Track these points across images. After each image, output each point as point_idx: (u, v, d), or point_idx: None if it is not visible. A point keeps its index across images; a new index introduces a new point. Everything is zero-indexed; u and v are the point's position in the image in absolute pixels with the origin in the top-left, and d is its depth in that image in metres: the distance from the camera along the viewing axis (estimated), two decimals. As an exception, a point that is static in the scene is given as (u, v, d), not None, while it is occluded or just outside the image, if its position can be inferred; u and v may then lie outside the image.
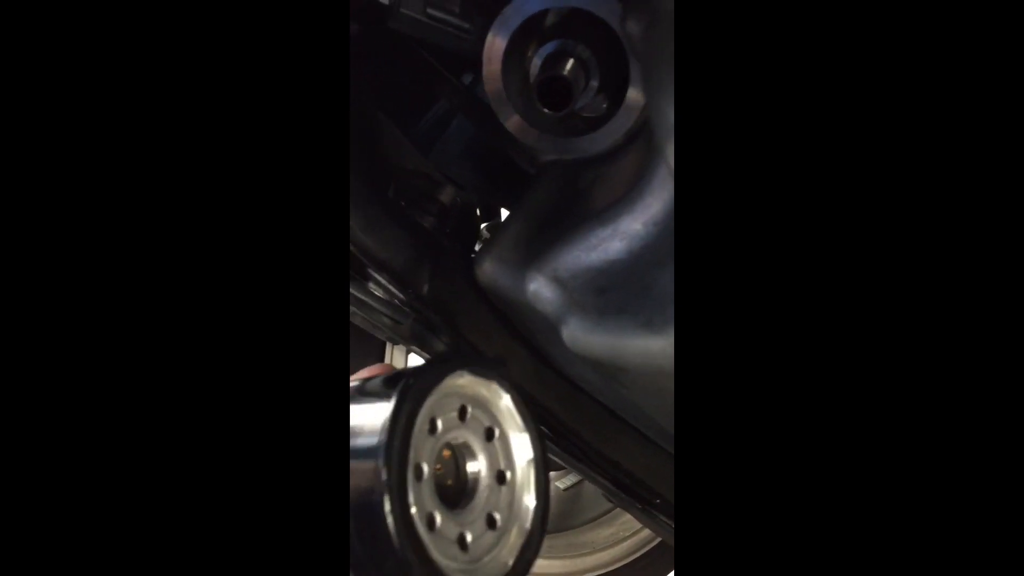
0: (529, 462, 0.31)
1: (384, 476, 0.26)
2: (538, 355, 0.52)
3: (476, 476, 0.31)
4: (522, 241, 0.41)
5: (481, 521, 0.30)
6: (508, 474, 0.31)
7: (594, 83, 0.41)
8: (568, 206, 0.42)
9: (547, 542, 1.36)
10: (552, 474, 1.42)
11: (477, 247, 0.51)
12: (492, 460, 0.31)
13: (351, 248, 0.41)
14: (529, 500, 0.31)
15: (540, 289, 0.40)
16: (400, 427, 0.28)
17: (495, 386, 0.32)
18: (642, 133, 0.40)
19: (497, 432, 0.31)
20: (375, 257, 0.42)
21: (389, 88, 0.55)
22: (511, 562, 0.30)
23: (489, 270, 0.41)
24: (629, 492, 0.56)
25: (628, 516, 1.58)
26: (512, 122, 0.42)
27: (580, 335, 0.37)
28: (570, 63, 0.39)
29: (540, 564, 1.37)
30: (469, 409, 0.31)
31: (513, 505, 0.31)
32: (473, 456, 0.31)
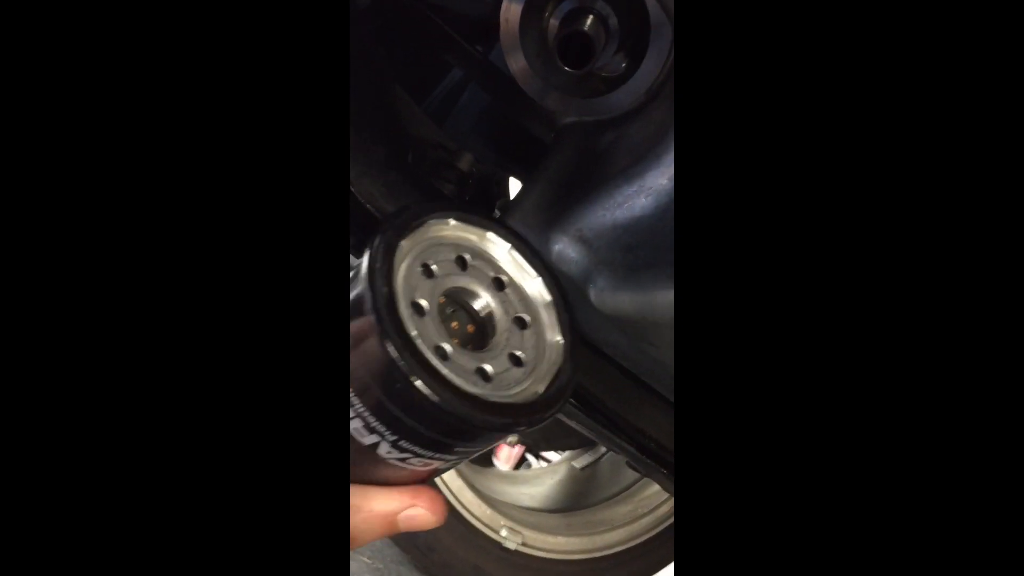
0: (548, 304, 0.31)
1: (369, 301, 0.26)
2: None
3: (490, 319, 0.30)
4: (544, 204, 0.41)
5: (503, 358, 0.30)
6: (528, 318, 0.31)
7: (613, 41, 0.41)
8: (590, 167, 0.41)
9: (565, 520, 1.36)
10: (568, 454, 1.42)
11: (496, 214, 0.51)
12: (507, 307, 0.31)
13: (375, 214, 0.41)
14: (554, 336, 0.30)
15: (565, 249, 0.40)
16: (378, 253, 0.27)
17: (492, 235, 0.31)
18: (663, 90, 0.40)
19: (506, 279, 0.31)
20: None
21: (402, 58, 0.55)
22: (542, 389, 0.29)
23: (512, 234, 0.41)
24: (654, 457, 0.56)
25: (645, 494, 1.59)
26: (531, 84, 0.42)
27: (608, 293, 0.36)
28: (589, 19, 0.39)
29: (559, 541, 1.38)
30: (468, 258, 0.31)
31: (539, 345, 0.30)
32: (479, 298, 0.31)
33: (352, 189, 0.42)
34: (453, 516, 1.23)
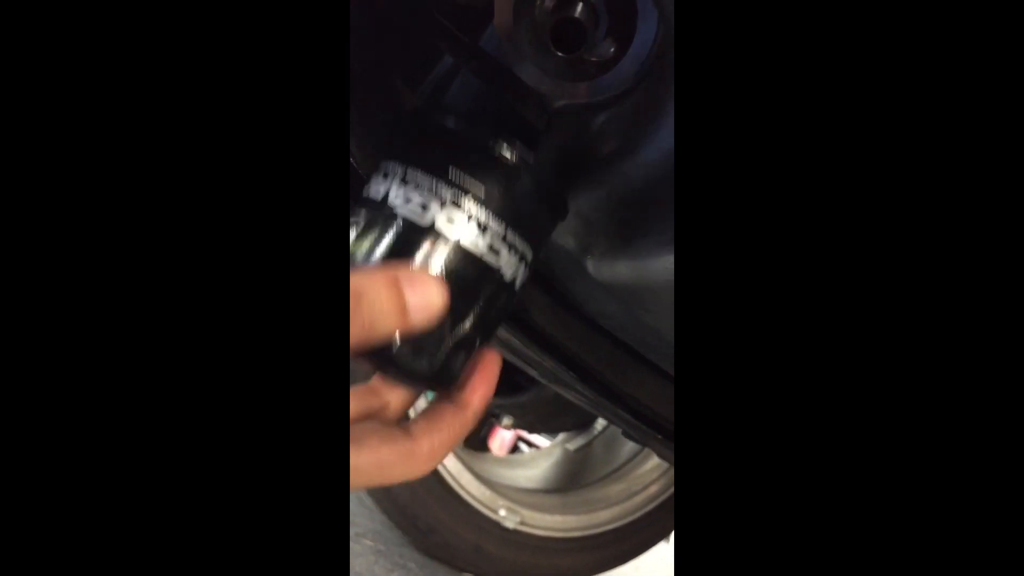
0: None
1: None
2: (558, 300, 0.55)
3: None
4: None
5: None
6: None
7: (602, 27, 0.43)
8: (584, 148, 0.44)
9: (561, 499, 1.39)
10: (561, 437, 1.45)
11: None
12: None
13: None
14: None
15: (562, 227, 0.42)
16: None
17: None
18: (652, 71, 0.42)
19: None
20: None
21: (394, 46, 0.56)
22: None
23: (512, 212, 0.43)
24: (649, 423, 0.59)
25: (638, 472, 1.62)
26: (525, 69, 0.44)
27: (606, 263, 0.39)
28: (580, 5, 0.41)
29: (556, 520, 1.41)
30: None
31: None
32: None
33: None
34: (452, 497, 1.26)
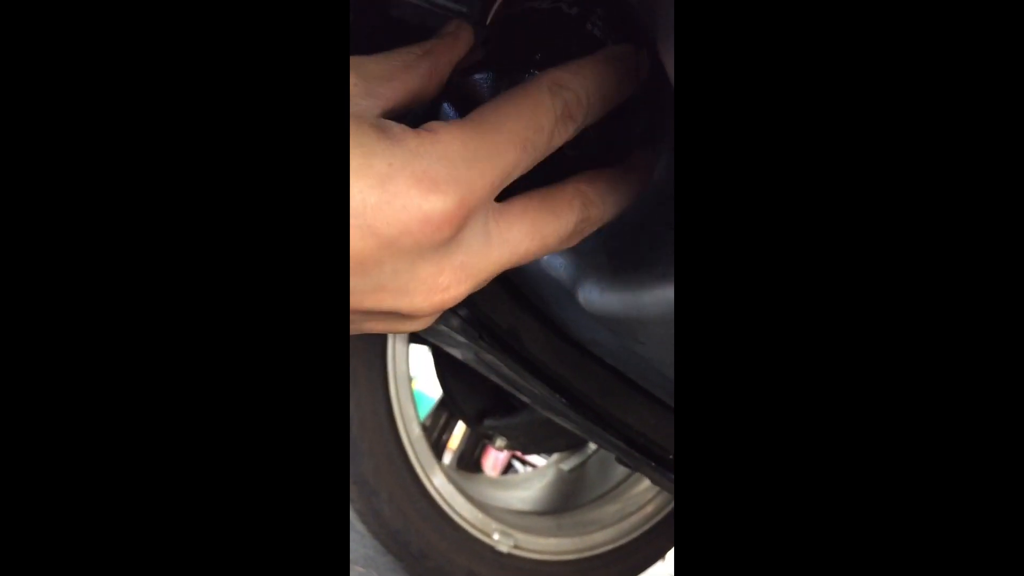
0: None
1: None
2: (548, 326, 0.55)
3: None
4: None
5: None
6: None
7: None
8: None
9: (555, 521, 1.38)
10: (555, 457, 1.45)
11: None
12: None
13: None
14: None
15: (552, 258, 0.42)
16: None
17: None
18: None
19: None
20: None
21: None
22: None
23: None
24: (641, 451, 0.58)
25: (632, 492, 1.62)
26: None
27: (596, 295, 0.39)
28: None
29: (551, 543, 1.40)
30: None
31: None
32: None
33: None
34: (445, 522, 1.24)
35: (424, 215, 0.25)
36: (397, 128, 0.27)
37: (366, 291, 0.27)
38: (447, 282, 0.28)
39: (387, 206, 0.25)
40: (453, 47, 0.34)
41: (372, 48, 0.50)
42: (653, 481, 0.64)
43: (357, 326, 0.29)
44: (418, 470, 1.22)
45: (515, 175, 0.28)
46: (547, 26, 0.34)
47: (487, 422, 1.35)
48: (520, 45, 0.34)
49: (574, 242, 0.31)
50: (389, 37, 0.49)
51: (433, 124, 0.27)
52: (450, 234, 0.26)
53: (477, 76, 0.33)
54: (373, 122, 0.26)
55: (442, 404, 1.63)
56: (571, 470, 1.68)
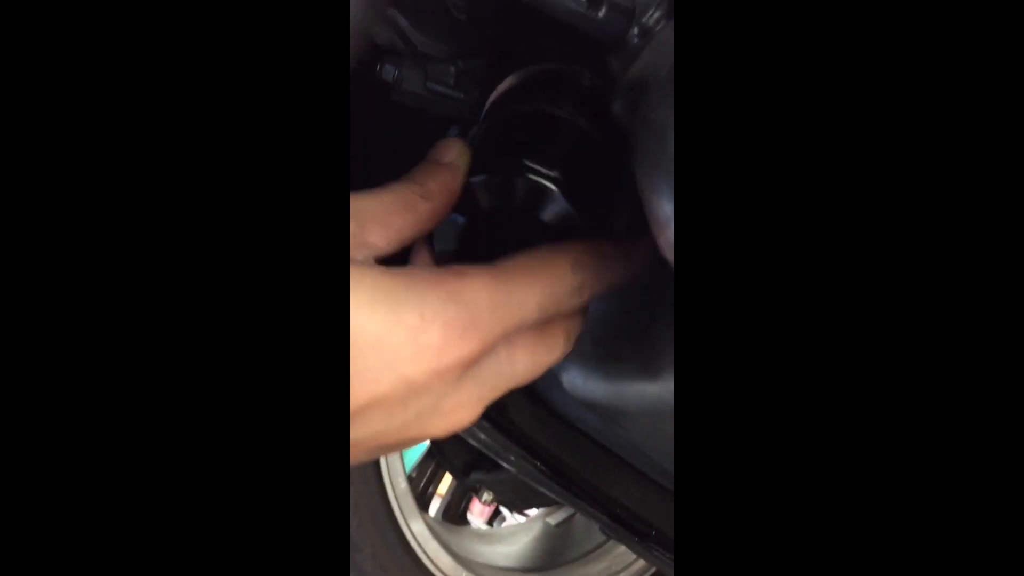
0: None
1: None
2: (535, 399, 0.55)
3: None
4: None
5: None
6: None
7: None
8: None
9: (541, 579, 1.34)
10: (542, 510, 1.43)
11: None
12: None
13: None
14: None
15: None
16: None
17: None
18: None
19: None
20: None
21: (383, 145, 0.58)
22: None
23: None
24: (625, 525, 0.58)
25: (621, 549, 1.59)
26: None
27: (580, 381, 0.39)
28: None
29: (535, 602, 1.37)
30: None
31: None
32: None
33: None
34: (428, 580, 1.23)
35: (452, 360, 0.28)
36: (424, 273, 0.28)
37: (390, 430, 0.29)
38: (462, 409, 0.30)
39: (420, 356, 0.27)
40: (454, 182, 0.34)
41: (371, 132, 0.52)
42: (637, 554, 0.63)
43: (376, 455, 0.31)
44: (402, 525, 1.20)
45: (525, 327, 0.31)
46: (535, 129, 0.36)
47: (474, 475, 1.34)
48: (511, 147, 0.35)
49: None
50: (388, 121, 0.50)
51: (460, 268, 0.29)
52: (468, 371, 0.29)
53: (473, 180, 0.34)
54: (397, 271, 0.28)
55: (430, 454, 1.62)
56: (558, 524, 1.65)
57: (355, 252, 0.29)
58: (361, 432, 0.28)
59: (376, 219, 0.30)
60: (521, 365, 0.31)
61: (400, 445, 0.31)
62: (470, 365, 0.28)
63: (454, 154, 0.34)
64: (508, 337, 0.30)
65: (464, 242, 0.35)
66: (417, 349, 0.27)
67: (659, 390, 0.34)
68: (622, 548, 1.56)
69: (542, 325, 0.32)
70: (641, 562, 1.54)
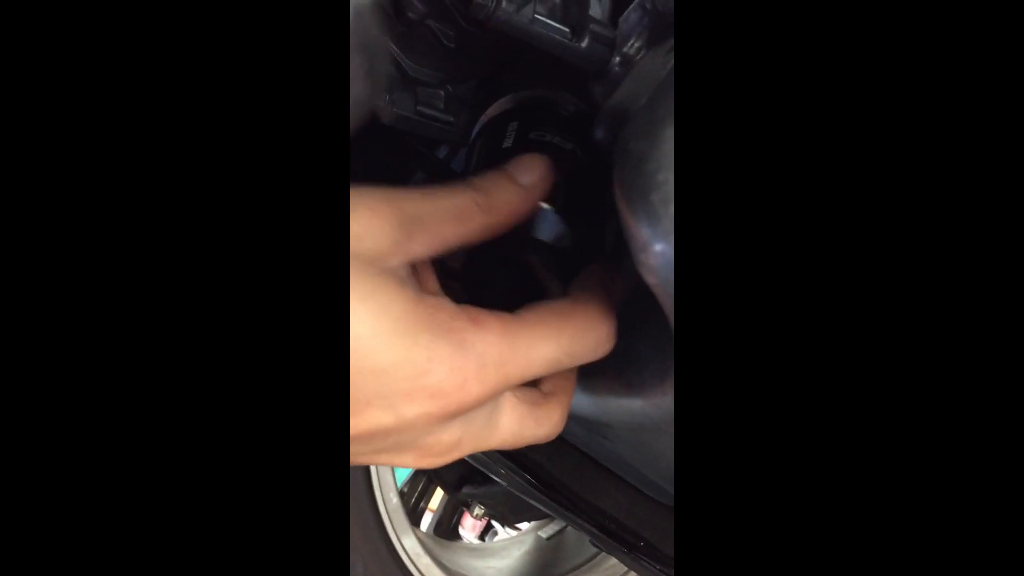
0: None
1: None
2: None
3: None
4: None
5: None
6: None
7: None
8: (540, 281, 0.46)
9: (533, 592, 1.34)
10: (534, 524, 1.44)
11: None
12: None
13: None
14: None
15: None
16: None
17: None
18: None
19: None
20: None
21: (373, 167, 0.60)
22: None
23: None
24: (614, 537, 0.59)
25: (612, 561, 1.60)
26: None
27: (567, 395, 0.40)
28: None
29: (527, 615, 1.37)
30: None
31: None
32: None
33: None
34: (421, 594, 1.23)
35: (448, 405, 0.27)
36: (445, 315, 0.27)
37: (366, 453, 0.29)
38: (438, 450, 0.29)
39: (415, 395, 0.26)
40: (522, 206, 0.31)
41: (362, 152, 0.53)
42: (627, 566, 0.64)
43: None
44: (394, 540, 1.21)
45: (529, 380, 0.30)
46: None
47: (465, 490, 1.35)
48: None
49: None
50: (378, 141, 0.52)
51: (477, 314, 0.28)
52: (459, 415, 0.28)
53: None
54: (419, 299, 0.27)
55: (421, 470, 1.62)
56: (549, 538, 1.66)
57: (393, 259, 0.28)
58: None
59: (426, 227, 0.28)
60: (505, 428, 0.31)
61: (366, 462, 0.30)
62: (462, 411, 0.28)
63: (535, 177, 0.32)
64: (506, 393, 0.29)
65: (467, 265, 0.36)
66: (414, 388, 0.26)
67: (642, 404, 0.35)
68: (612, 560, 1.57)
69: (538, 398, 0.32)
70: (632, 574, 1.54)
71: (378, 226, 0.27)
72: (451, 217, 0.29)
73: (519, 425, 0.31)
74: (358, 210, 0.27)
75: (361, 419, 0.27)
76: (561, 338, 0.29)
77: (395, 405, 0.27)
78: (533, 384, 0.33)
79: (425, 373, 0.26)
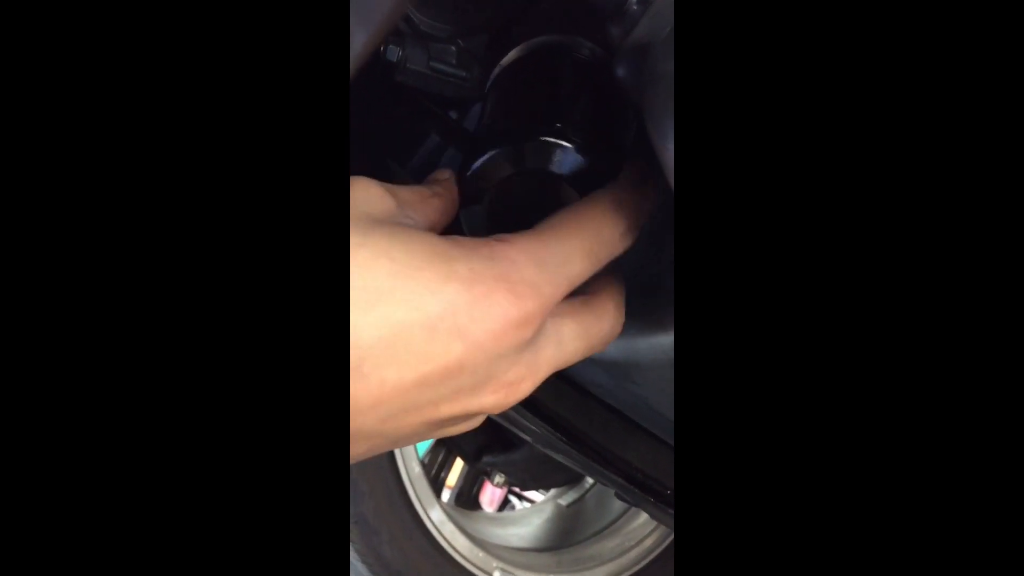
0: None
1: None
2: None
3: None
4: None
5: None
6: None
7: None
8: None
9: (555, 558, 1.38)
10: (553, 492, 1.45)
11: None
12: None
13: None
14: None
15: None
16: None
17: None
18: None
19: None
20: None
21: (386, 128, 0.60)
22: None
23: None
24: (641, 487, 0.60)
25: (631, 527, 1.62)
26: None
27: (594, 340, 0.41)
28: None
29: (551, 580, 1.39)
30: None
31: None
32: None
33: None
34: (447, 561, 1.24)
35: (510, 318, 0.27)
36: (468, 239, 0.28)
37: (444, 398, 0.28)
38: (517, 380, 0.29)
39: (475, 307, 0.26)
40: (453, 190, 0.35)
41: (376, 112, 0.53)
42: (652, 516, 0.65)
43: (426, 436, 0.30)
44: (418, 509, 1.22)
45: (579, 283, 0.30)
46: (543, 96, 0.37)
47: (485, 458, 1.36)
48: (522, 115, 0.37)
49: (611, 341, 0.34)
50: (392, 101, 0.52)
51: (503, 235, 0.29)
52: (529, 336, 0.28)
53: (491, 154, 0.35)
54: (439, 237, 0.28)
55: (440, 441, 1.63)
56: (569, 505, 1.68)
57: (402, 217, 0.30)
58: (410, 399, 0.26)
59: (411, 204, 0.31)
60: (571, 335, 0.30)
61: (448, 424, 0.29)
62: (530, 329, 0.27)
63: (447, 174, 0.36)
64: (557, 309, 0.29)
65: (492, 217, 0.36)
66: (471, 298, 0.26)
67: (671, 340, 0.35)
68: (633, 525, 1.58)
69: (587, 298, 0.32)
70: (652, 538, 1.56)
71: (377, 193, 0.30)
72: (422, 199, 0.32)
73: (583, 329, 0.31)
74: (357, 182, 0.29)
75: (430, 355, 0.26)
76: (589, 229, 0.30)
77: (461, 325, 0.26)
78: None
79: (473, 283, 0.26)
